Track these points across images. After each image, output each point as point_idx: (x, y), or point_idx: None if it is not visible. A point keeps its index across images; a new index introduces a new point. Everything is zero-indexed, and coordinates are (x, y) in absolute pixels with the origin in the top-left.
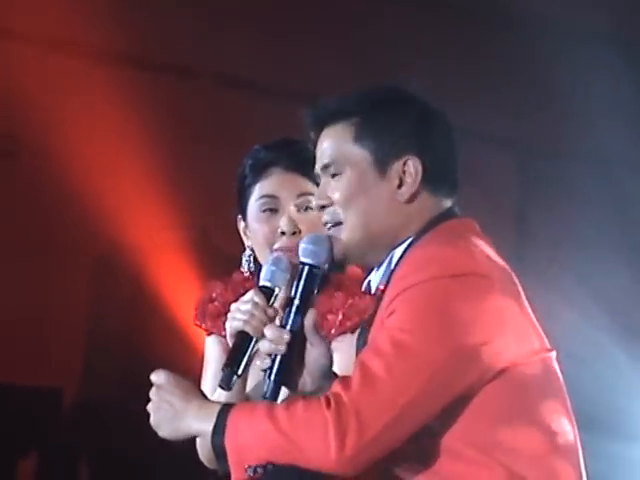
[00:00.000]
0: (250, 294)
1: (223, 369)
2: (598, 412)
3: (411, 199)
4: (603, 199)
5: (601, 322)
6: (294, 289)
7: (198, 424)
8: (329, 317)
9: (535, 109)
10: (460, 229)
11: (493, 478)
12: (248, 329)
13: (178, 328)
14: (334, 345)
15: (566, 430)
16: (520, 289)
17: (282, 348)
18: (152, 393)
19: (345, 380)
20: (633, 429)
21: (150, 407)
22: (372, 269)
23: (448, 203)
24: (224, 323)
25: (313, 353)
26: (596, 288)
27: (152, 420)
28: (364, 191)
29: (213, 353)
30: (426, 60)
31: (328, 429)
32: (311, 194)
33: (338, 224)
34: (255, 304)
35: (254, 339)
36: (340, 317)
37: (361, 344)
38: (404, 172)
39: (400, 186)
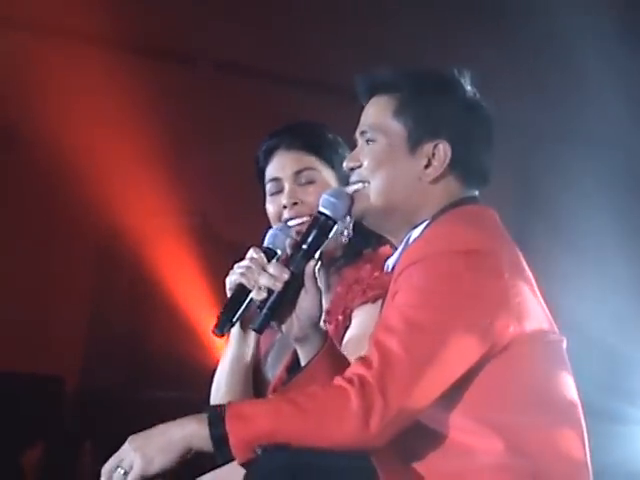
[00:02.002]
0: (250, 252)
1: (218, 316)
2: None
3: (435, 181)
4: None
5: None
6: (305, 235)
7: (188, 427)
8: (354, 287)
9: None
10: (477, 213)
11: (495, 450)
12: (244, 281)
13: (179, 314)
14: (354, 313)
15: (571, 408)
16: (530, 274)
17: (279, 285)
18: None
19: (363, 360)
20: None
21: (134, 453)
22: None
23: (473, 193)
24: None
25: (306, 300)
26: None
27: (143, 460)
28: (392, 162)
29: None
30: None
31: (353, 407)
32: (312, 168)
33: (364, 184)
34: (252, 259)
35: (250, 293)
36: (364, 287)
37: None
38: (433, 155)
39: (427, 167)
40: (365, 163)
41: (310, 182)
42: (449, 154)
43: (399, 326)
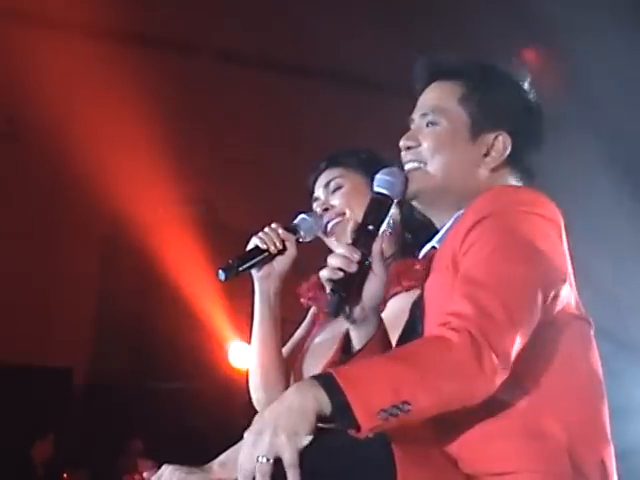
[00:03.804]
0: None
1: (229, 262)
2: None
3: (490, 170)
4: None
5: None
6: (366, 216)
7: (310, 394)
8: (394, 278)
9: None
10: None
11: (530, 416)
12: (258, 242)
13: (185, 303)
14: (389, 301)
15: (602, 386)
16: None
17: (353, 266)
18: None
19: (461, 315)
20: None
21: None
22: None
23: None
24: (318, 296)
25: (373, 282)
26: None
27: (290, 439)
28: (452, 146)
29: (305, 322)
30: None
31: (467, 356)
32: (338, 177)
33: (420, 164)
34: (271, 227)
35: (264, 253)
36: (401, 277)
37: (418, 302)
38: (492, 145)
39: (485, 156)
40: (425, 144)
41: (338, 188)
42: (508, 147)
43: (486, 279)
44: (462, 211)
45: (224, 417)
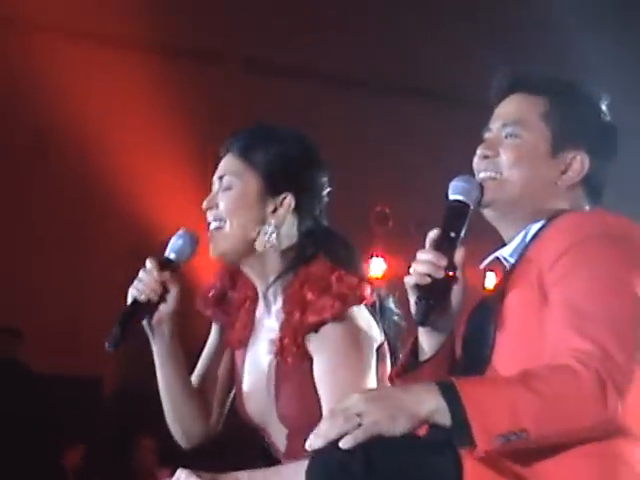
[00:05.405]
0: (147, 260)
1: (112, 330)
2: None
3: (567, 188)
4: None
5: None
6: (447, 224)
7: (426, 405)
8: (304, 309)
9: None
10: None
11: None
12: (135, 294)
13: None
14: (314, 338)
15: None
16: None
17: (441, 272)
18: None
19: (585, 351)
20: None
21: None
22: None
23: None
24: (221, 310)
25: (457, 290)
26: None
27: (388, 418)
28: (532, 161)
29: (209, 338)
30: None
31: (593, 392)
32: (234, 176)
33: (497, 175)
34: (145, 271)
35: (143, 304)
36: (317, 308)
37: (485, 313)
38: (571, 164)
39: (563, 173)
40: (504, 156)
41: (228, 189)
42: (586, 166)
43: (597, 312)
44: (535, 226)
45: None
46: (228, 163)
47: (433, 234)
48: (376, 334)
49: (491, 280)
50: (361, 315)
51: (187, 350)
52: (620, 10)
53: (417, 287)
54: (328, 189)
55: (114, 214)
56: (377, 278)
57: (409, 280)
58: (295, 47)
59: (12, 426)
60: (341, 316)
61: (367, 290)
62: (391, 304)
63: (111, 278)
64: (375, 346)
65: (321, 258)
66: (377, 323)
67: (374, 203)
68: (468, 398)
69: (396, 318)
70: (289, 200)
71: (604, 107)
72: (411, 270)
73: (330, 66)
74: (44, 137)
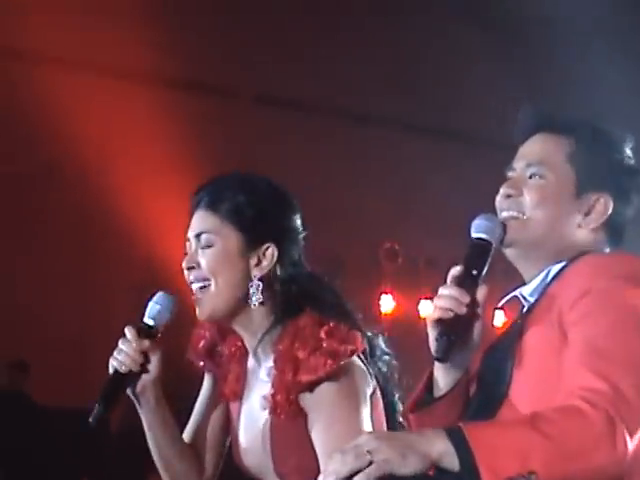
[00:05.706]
0: (126, 329)
1: (95, 405)
2: None
3: (589, 230)
4: None
5: None
6: (469, 262)
7: (436, 447)
8: (296, 367)
9: None
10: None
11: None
12: (116, 365)
13: None
14: (311, 398)
15: None
16: None
17: (463, 308)
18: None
19: (596, 391)
20: None
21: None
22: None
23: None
24: (213, 361)
25: (477, 327)
26: None
27: (398, 457)
28: (556, 202)
29: (202, 389)
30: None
31: (602, 434)
32: (212, 233)
33: (520, 214)
34: (124, 342)
35: (127, 377)
36: (309, 366)
37: (501, 350)
38: (594, 206)
39: (586, 215)
40: (528, 197)
41: (208, 246)
42: (609, 210)
43: (615, 354)
44: (557, 266)
45: None
46: (202, 220)
47: (455, 271)
48: (369, 382)
49: (500, 318)
50: (353, 367)
51: (177, 371)
52: None
53: (439, 323)
54: (304, 232)
55: (118, 246)
56: (386, 314)
57: (431, 315)
58: (310, 82)
59: (16, 459)
60: (334, 373)
61: (358, 339)
62: (381, 343)
63: (116, 310)
64: (369, 394)
65: (308, 311)
66: (368, 368)
67: (383, 240)
68: (476, 441)
69: (387, 358)
70: (272, 250)
71: (629, 150)
72: (433, 305)
73: (346, 100)
74: (54, 167)
